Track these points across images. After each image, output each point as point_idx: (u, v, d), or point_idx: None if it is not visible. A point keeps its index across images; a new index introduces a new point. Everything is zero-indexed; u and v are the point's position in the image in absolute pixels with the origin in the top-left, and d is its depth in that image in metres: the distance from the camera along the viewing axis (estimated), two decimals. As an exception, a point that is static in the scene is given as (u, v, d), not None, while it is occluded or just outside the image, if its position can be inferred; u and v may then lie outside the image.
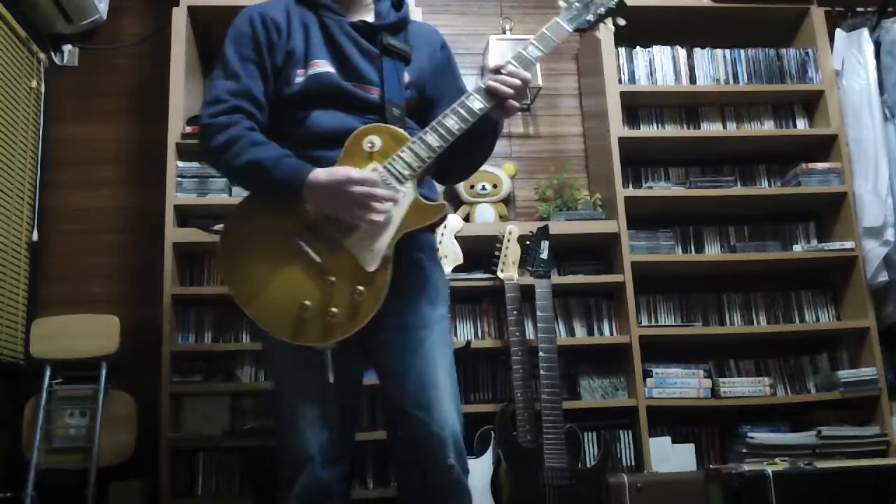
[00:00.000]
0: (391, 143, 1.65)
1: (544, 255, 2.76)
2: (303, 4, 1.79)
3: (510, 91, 1.66)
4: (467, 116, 1.65)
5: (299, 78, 1.71)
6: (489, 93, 1.67)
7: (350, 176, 1.57)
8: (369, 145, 1.65)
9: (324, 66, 1.72)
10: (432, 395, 1.64)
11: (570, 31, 1.78)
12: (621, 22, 1.85)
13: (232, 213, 1.68)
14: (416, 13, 3.03)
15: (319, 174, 1.58)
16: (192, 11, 3.04)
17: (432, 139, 1.64)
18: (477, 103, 1.67)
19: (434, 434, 1.62)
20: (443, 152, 1.64)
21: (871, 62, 3.18)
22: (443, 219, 1.67)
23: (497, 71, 1.68)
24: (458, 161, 1.77)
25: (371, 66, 1.75)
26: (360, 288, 1.56)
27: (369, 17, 1.82)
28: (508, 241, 2.81)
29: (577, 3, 1.80)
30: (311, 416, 1.64)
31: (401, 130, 1.67)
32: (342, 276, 1.58)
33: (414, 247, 1.71)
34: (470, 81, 3.38)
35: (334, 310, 1.56)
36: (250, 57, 1.71)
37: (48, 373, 2.68)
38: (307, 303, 1.56)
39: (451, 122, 1.65)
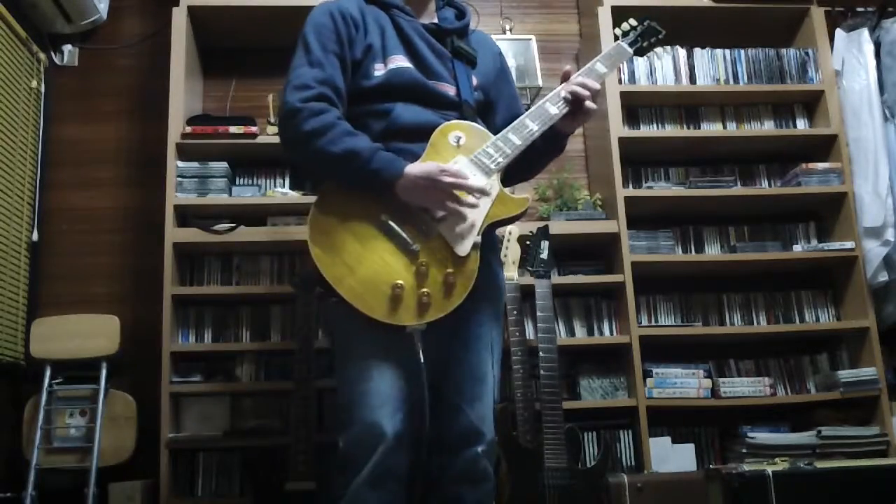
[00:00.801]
0: (476, 139, 1.74)
1: (544, 255, 2.76)
2: (374, 4, 1.84)
3: (587, 93, 1.77)
4: (545, 119, 1.76)
5: (379, 71, 1.76)
6: (566, 99, 1.78)
7: (443, 167, 1.63)
8: (455, 139, 1.72)
9: (403, 62, 1.78)
10: (479, 389, 1.72)
11: (631, 52, 2.01)
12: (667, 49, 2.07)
13: (320, 198, 1.70)
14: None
15: (413, 168, 1.63)
16: (192, 11, 3.04)
17: (515, 137, 1.74)
18: (553, 108, 1.78)
19: (473, 424, 1.69)
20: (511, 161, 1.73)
21: (871, 62, 3.17)
22: (525, 211, 1.75)
23: (568, 78, 1.81)
24: (517, 171, 1.85)
25: (443, 66, 1.83)
26: (451, 270, 1.62)
27: (435, 21, 1.89)
28: (508, 241, 2.80)
29: (633, 31, 2.03)
30: (393, 397, 1.62)
31: (482, 128, 1.77)
32: (434, 259, 1.63)
33: (486, 246, 1.74)
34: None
35: (427, 290, 1.60)
36: (332, 48, 1.74)
37: (48, 373, 2.68)
38: (400, 282, 1.59)
39: (531, 123, 1.76)
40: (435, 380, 1.70)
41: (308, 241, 1.63)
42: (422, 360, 1.60)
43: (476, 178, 1.67)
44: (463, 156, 1.71)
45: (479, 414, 1.71)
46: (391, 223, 1.63)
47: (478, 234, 1.66)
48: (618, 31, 2.04)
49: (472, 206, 1.65)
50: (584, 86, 1.78)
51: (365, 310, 1.59)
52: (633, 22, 2.05)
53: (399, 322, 1.60)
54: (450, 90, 1.81)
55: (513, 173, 1.86)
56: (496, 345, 1.80)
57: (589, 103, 1.78)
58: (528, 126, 1.75)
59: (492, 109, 1.92)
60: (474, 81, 1.86)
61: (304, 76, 1.70)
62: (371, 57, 1.77)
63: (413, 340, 1.61)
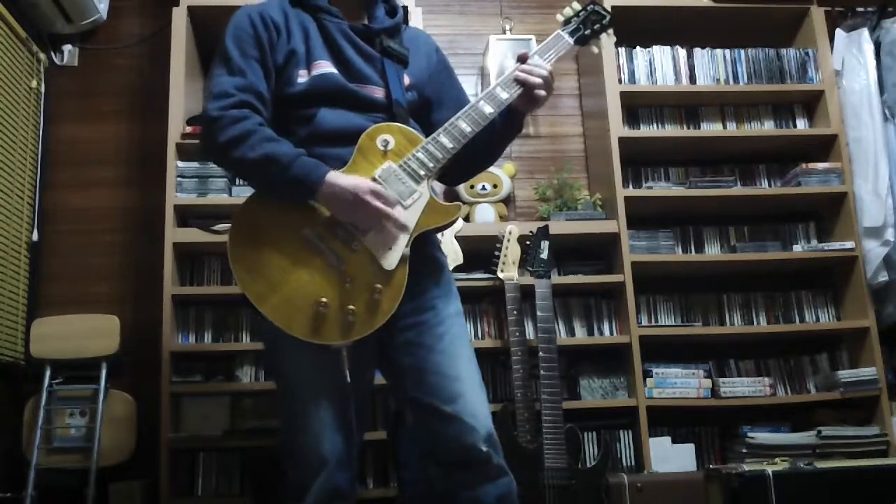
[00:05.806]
0: (405, 143, 1.67)
1: (544, 255, 2.76)
2: (298, 7, 1.78)
3: (537, 80, 1.72)
4: (479, 120, 1.70)
5: (302, 78, 1.70)
6: (518, 82, 1.73)
7: (374, 189, 1.57)
8: (383, 143, 1.66)
9: (327, 67, 1.71)
10: (458, 388, 1.63)
11: (572, 43, 1.88)
12: (613, 39, 1.97)
13: (240, 210, 1.64)
14: (415, 13, 3.03)
15: (339, 178, 1.57)
16: (192, 11, 3.04)
17: (446, 141, 1.67)
18: (487, 108, 1.71)
19: (466, 425, 1.60)
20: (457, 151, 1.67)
21: (871, 62, 3.18)
22: (456, 219, 1.69)
23: (523, 60, 1.76)
24: (467, 160, 1.78)
25: (372, 68, 1.76)
26: (379, 286, 1.57)
27: (364, 22, 1.82)
28: (508, 241, 2.81)
29: (575, 18, 1.89)
30: (326, 419, 1.61)
31: (413, 131, 1.69)
32: (360, 274, 1.58)
33: (426, 244, 1.72)
34: (469, 81, 3.40)
35: (352, 307, 1.55)
36: (253, 55, 1.69)
37: (48, 373, 2.68)
38: (324, 300, 1.55)
39: (464, 125, 1.69)
40: (414, 390, 1.66)
41: (228, 256, 1.57)
42: (348, 379, 1.57)
43: (404, 185, 1.63)
44: (392, 161, 1.64)
45: (469, 412, 1.61)
46: (315, 238, 1.58)
47: (406, 246, 1.60)
48: (560, 17, 1.90)
49: (396, 228, 1.59)
50: (531, 73, 1.73)
51: (287, 329, 1.55)
52: (575, 6, 1.90)
53: (323, 341, 1.55)
54: (377, 92, 1.73)
55: (464, 168, 1.83)
56: (464, 339, 1.73)
57: (539, 91, 1.73)
58: (461, 128, 1.68)
59: (432, 108, 1.85)
60: (406, 81, 1.78)
61: (223, 84, 1.65)
62: (294, 63, 1.70)
63: (340, 358, 1.57)
